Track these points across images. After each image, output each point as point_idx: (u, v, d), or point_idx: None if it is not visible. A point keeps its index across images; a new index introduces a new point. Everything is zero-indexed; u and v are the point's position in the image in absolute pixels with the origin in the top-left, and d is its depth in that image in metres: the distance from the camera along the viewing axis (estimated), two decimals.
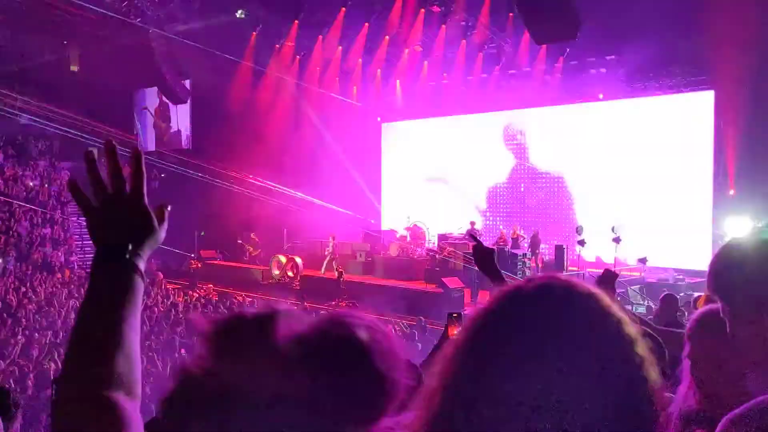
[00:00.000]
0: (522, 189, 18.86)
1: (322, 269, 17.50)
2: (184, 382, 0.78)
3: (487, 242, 17.41)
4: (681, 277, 14.66)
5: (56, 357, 9.25)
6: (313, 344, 0.80)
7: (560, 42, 14.35)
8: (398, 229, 19.15)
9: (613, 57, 15.88)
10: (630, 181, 16.62)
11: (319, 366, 0.78)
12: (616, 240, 15.01)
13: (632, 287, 14.35)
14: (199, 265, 19.37)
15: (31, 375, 8.48)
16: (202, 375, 0.77)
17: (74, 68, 20.82)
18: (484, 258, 2.40)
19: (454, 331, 2.44)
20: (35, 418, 6.89)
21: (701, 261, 15.24)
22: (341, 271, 15.78)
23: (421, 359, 3.34)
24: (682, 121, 15.77)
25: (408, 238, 18.12)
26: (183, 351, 9.51)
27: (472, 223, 17.40)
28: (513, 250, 15.39)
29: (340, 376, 0.79)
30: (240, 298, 15.35)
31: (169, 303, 14.07)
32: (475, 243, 2.49)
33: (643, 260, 15.30)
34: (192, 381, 0.77)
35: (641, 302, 13.70)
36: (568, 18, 11.58)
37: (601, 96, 16.78)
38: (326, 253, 17.85)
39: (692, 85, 15.41)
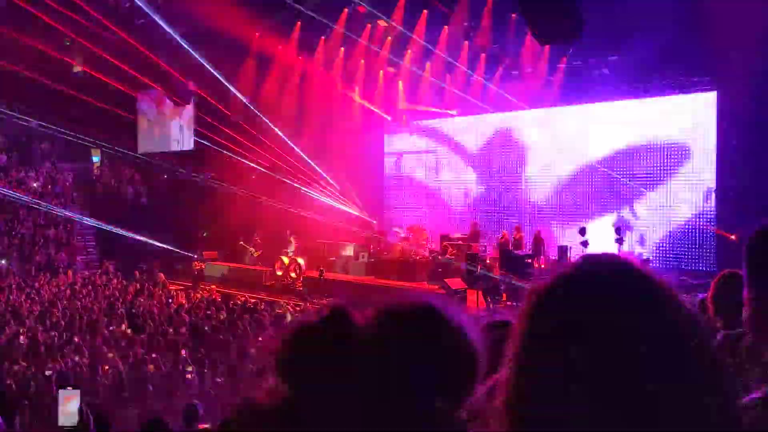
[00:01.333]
0: (524, 190, 18.84)
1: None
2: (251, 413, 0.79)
3: (489, 243, 17.42)
4: (684, 278, 14.61)
5: (59, 358, 9.28)
6: (399, 325, 0.81)
7: (563, 42, 14.33)
8: (400, 230, 19.15)
9: (616, 57, 15.85)
10: (633, 182, 16.59)
11: (406, 344, 0.79)
12: (619, 241, 14.98)
13: None
14: (202, 266, 19.39)
15: (34, 376, 8.50)
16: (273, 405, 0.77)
17: (77, 69, 20.87)
18: None
19: None
20: (38, 419, 6.90)
21: (704, 262, 15.23)
22: (322, 270, 16.04)
23: None
24: (685, 122, 15.74)
25: (410, 239, 18.11)
26: (184, 352, 9.52)
27: (474, 224, 17.38)
28: (516, 251, 15.38)
29: (429, 352, 0.79)
30: (242, 299, 15.36)
31: (172, 304, 14.09)
32: None
33: (646, 261, 15.25)
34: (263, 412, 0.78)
35: None
36: (571, 18, 11.54)
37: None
38: (288, 252, 18.08)
39: (695, 85, 15.38)
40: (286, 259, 18.05)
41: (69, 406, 1.98)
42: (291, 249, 18.12)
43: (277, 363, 0.80)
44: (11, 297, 13.99)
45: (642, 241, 16.46)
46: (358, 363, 0.77)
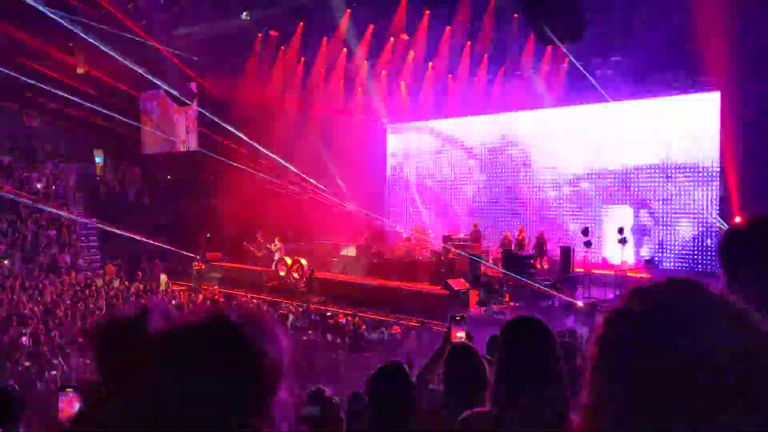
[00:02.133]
0: (527, 190, 18.81)
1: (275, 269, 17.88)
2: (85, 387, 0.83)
3: (492, 244, 17.38)
4: None
5: (61, 358, 9.29)
6: (185, 333, 0.80)
7: (565, 43, 14.31)
8: (403, 231, 19.14)
9: (618, 58, 15.81)
10: (636, 183, 16.56)
11: (192, 354, 0.77)
12: (623, 241, 14.94)
13: None
14: (204, 267, 19.39)
15: (38, 376, 8.52)
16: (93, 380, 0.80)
17: (80, 71, 20.91)
18: None
19: (457, 334, 2.43)
20: (42, 419, 6.90)
21: (708, 262, 15.19)
22: (312, 269, 16.21)
23: (424, 361, 3.33)
24: (688, 123, 15.69)
25: (413, 240, 18.09)
26: None
27: (475, 225, 17.36)
28: (518, 252, 15.34)
29: (215, 361, 0.77)
30: (245, 299, 15.39)
31: (173, 305, 14.10)
32: None
33: (650, 261, 15.23)
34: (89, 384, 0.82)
35: None
36: (573, 19, 11.55)
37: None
38: (273, 249, 18.16)
39: (698, 86, 15.32)
40: (288, 260, 18.04)
41: (70, 407, 1.98)
42: (276, 246, 18.38)
43: (91, 344, 0.85)
44: (14, 298, 14.01)
45: (645, 241, 16.42)
46: (147, 366, 0.77)
